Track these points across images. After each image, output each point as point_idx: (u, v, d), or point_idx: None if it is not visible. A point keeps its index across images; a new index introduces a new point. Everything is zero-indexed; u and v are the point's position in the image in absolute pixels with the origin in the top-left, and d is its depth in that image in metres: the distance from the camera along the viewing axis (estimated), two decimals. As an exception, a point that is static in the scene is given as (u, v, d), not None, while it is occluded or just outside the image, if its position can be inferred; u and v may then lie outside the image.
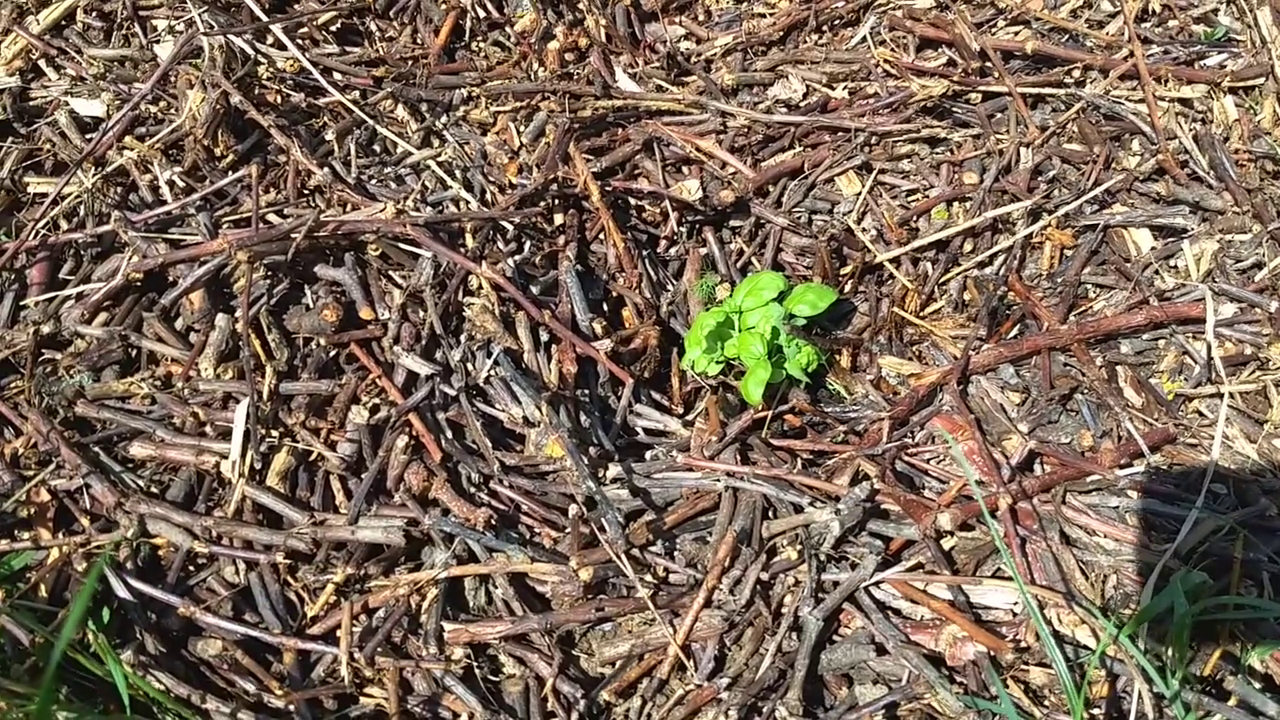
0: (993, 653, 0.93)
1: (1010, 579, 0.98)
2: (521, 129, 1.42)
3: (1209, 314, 1.16)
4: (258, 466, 1.02)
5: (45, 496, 1.01)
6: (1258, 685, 0.90)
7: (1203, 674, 0.93)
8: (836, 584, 1.00)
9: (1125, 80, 1.43)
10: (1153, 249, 1.28)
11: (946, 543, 1.04)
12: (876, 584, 1.00)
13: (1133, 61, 1.40)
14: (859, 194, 1.40)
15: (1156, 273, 1.26)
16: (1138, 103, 1.40)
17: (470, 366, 1.13)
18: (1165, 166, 1.32)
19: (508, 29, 1.53)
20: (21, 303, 1.14)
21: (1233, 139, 1.36)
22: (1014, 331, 1.26)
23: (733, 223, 1.43)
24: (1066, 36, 1.49)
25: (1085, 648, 0.94)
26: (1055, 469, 1.08)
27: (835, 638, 0.98)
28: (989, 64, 1.46)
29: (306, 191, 1.25)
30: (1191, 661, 0.93)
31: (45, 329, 1.09)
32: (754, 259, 1.41)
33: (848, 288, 1.36)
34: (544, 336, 1.20)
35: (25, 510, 1.00)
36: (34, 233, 1.15)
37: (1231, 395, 1.12)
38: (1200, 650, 0.94)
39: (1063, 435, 1.13)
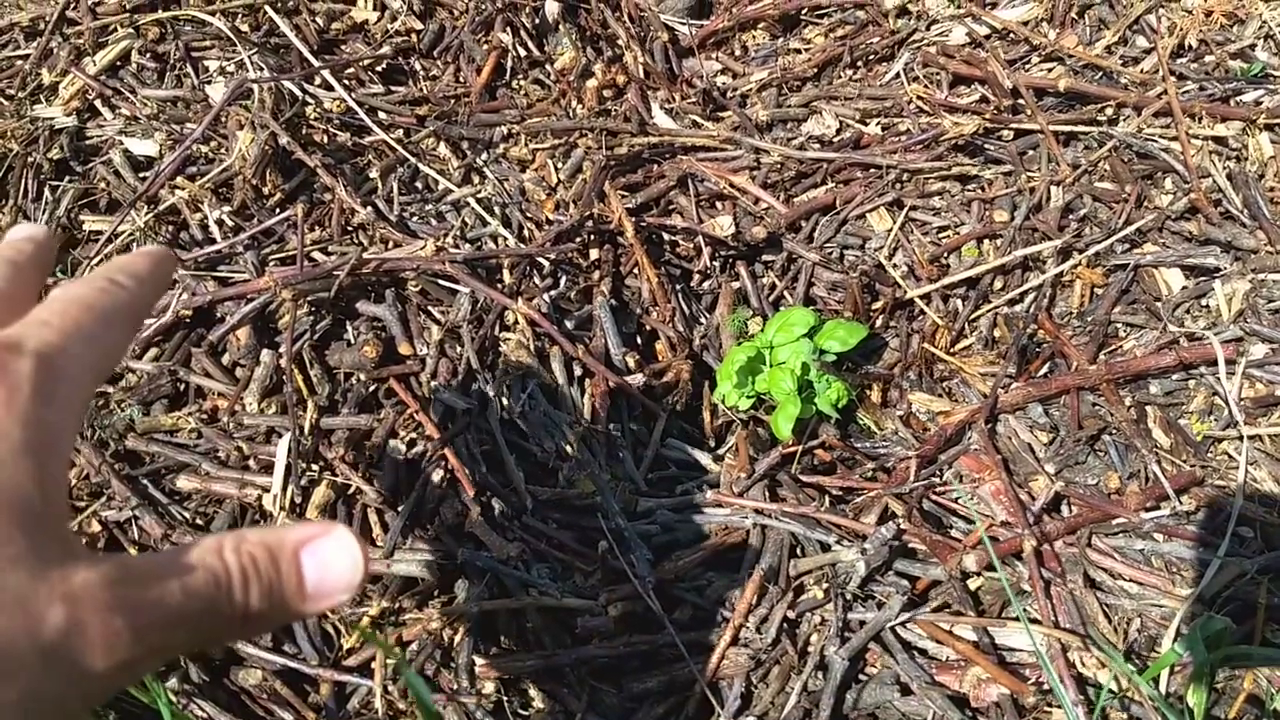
0: (1015, 695, 0.94)
1: (1035, 621, 0.99)
2: (559, 165, 1.46)
3: (1219, 357, 1.16)
4: (298, 500, 1.05)
5: (96, 527, 1.05)
6: (1281, 733, 0.91)
7: (1228, 718, 0.94)
8: (863, 623, 1.01)
9: (1159, 117, 1.43)
10: (1184, 289, 1.28)
11: (972, 583, 1.06)
12: (902, 624, 1.02)
13: (1166, 99, 1.41)
14: (890, 230, 1.41)
15: (1187, 312, 1.27)
16: (1171, 140, 1.40)
17: (505, 401, 1.16)
18: (1198, 205, 1.32)
19: (548, 67, 1.57)
20: (76, 337, 1.18)
21: (1268, 176, 1.35)
22: (1043, 370, 1.27)
23: (765, 257, 1.45)
24: (1100, 73, 1.50)
25: (1109, 691, 0.94)
26: (1081, 511, 1.09)
27: (861, 677, 1.00)
28: (1021, 101, 1.47)
29: (350, 229, 1.29)
30: (1215, 705, 0.94)
31: (99, 363, 1.14)
32: (786, 293, 1.43)
33: (879, 323, 1.38)
34: (578, 371, 1.23)
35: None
36: (89, 270, 1.20)
37: (1259, 438, 1.13)
38: (1225, 695, 0.95)
39: (1090, 476, 1.14)
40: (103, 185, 1.30)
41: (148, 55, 1.41)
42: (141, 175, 1.30)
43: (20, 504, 0.40)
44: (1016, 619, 1.00)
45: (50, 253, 0.55)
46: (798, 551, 1.07)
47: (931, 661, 1.00)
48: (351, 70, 1.47)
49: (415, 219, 1.34)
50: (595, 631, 1.00)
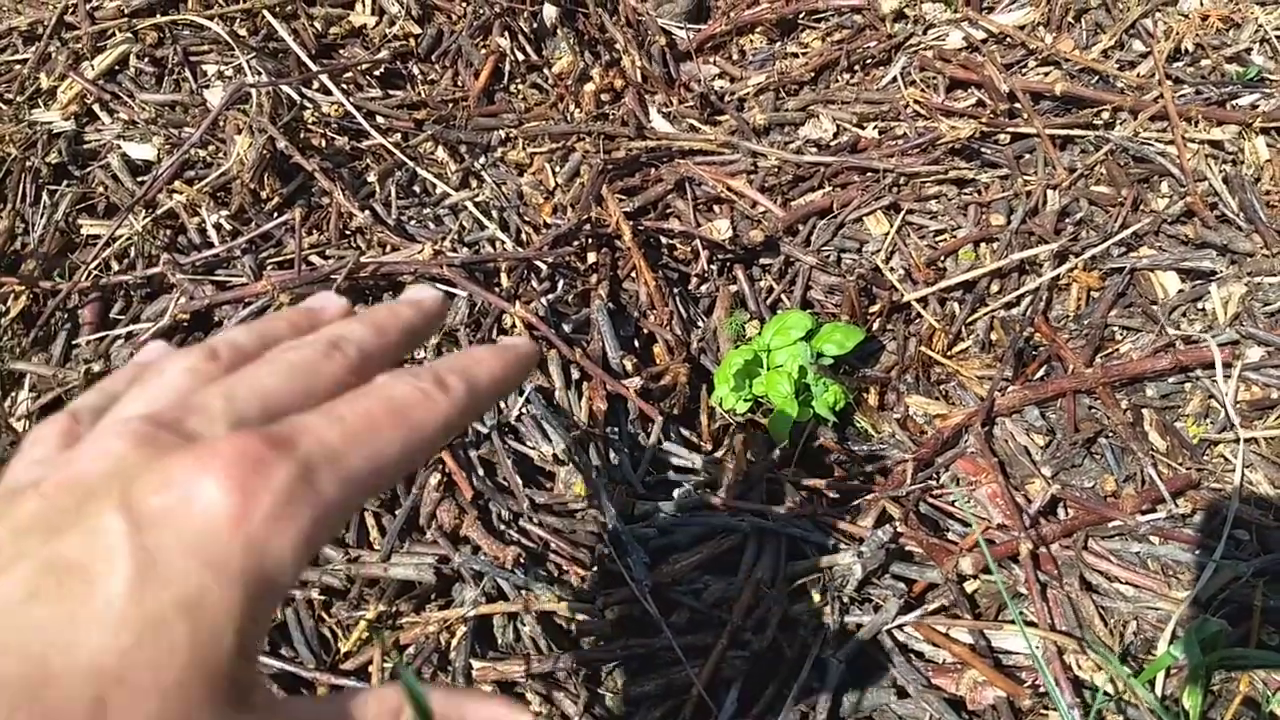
0: (1011, 698, 0.94)
1: (1031, 624, 0.99)
2: (557, 169, 1.46)
3: (1217, 359, 1.17)
4: (296, 503, 1.05)
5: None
6: (1277, 735, 0.91)
7: (1224, 721, 0.94)
8: (859, 626, 1.01)
9: (1155, 121, 1.43)
10: (1180, 292, 1.29)
11: (969, 586, 1.06)
12: (899, 627, 1.02)
13: (1163, 103, 1.41)
14: (887, 234, 1.42)
15: (1184, 316, 1.27)
16: (1167, 144, 1.40)
17: (502, 404, 1.16)
18: (1194, 209, 1.33)
19: (546, 71, 1.57)
20: (74, 342, 1.18)
21: (1264, 180, 1.36)
22: (1040, 373, 1.27)
23: (762, 261, 1.45)
24: (1096, 78, 1.50)
25: (1105, 694, 0.95)
26: (1077, 514, 1.09)
27: (858, 680, 1.00)
28: (1018, 105, 1.47)
29: (348, 233, 1.29)
30: (1211, 707, 0.94)
31: (96, 368, 1.14)
32: (783, 296, 1.43)
33: (876, 326, 1.38)
34: (575, 374, 1.23)
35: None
36: (87, 274, 1.20)
37: (1255, 441, 1.13)
38: (1220, 697, 0.95)
39: (1086, 479, 1.14)
40: (101, 189, 1.30)
41: (146, 60, 1.41)
42: (139, 179, 1.30)
43: (213, 666, 0.33)
44: (1013, 622, 1.01)
45: (429, 327, 0.49)
46: (795, 554, 1.07)
47: (928, 664, 1.00)
48: (349, 74, 1.47)
49: (413, 223, 1.35)
50: (592, 635, 1.00)
